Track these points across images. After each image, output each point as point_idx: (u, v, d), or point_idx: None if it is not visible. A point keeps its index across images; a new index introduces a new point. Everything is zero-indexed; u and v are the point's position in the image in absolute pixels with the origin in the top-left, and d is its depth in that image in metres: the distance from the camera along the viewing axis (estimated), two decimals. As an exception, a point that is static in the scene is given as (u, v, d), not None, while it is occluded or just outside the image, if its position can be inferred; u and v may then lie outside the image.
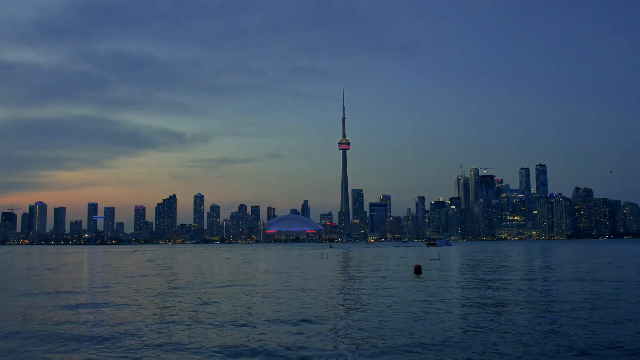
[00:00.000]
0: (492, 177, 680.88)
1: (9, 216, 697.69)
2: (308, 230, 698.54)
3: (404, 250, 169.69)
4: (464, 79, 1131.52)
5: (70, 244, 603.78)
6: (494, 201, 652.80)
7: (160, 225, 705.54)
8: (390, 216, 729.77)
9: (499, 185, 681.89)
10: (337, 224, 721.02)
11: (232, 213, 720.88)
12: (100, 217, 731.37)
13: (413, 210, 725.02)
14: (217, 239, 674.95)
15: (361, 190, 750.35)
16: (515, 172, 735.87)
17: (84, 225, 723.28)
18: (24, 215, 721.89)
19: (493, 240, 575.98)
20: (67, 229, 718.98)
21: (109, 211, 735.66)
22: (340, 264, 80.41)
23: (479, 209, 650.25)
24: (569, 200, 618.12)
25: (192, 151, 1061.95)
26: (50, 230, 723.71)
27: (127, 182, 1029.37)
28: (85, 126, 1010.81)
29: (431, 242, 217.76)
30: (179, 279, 50.32)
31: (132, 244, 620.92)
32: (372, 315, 25.12)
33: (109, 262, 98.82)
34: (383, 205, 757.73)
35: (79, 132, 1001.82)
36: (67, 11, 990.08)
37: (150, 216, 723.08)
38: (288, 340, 19.51)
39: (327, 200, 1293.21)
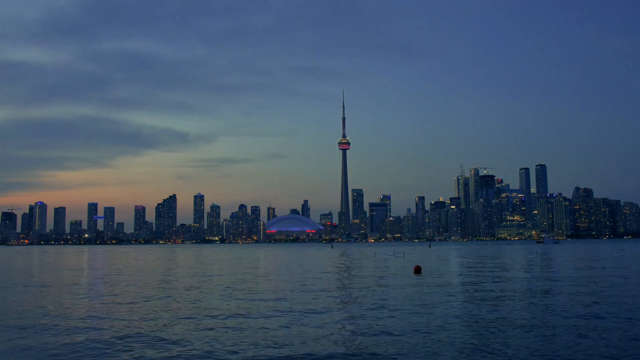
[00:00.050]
0: (492, 177, 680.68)
1: (9, 216, 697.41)
2: (308, 230, 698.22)
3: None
4: (464, 79, 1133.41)
5: (70, 244, 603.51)
6: (494, 201, 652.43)
7: (160, 225, 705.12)
8: (390, 216, 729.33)
9: (499, 185, 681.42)
10: (337, 224, 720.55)
11: (232, 213, 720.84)
12: (100, 217, 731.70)
13: (413, 210, 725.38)
14: (217, 239, 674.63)
15: (361, 190, 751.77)
16: (515, 172, 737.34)
17: (84, 225, 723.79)
18: (24, 215, 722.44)
19: (493, 240, 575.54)
20: (67, 229, 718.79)
21: (109, 211, 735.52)
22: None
23: (479, 209, 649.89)
24: (569, 200, 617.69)
25: (194, 151, 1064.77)
26: (50, 230, 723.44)
27: (127, 182, 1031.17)
28: (88, 126, 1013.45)
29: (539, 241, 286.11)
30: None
31: (132, 244, 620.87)
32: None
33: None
34: (383, 205, 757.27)
35: (80, 131, 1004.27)
36: (73, 10, 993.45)
37: (150, 216, 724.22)
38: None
39: (327, 200, 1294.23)
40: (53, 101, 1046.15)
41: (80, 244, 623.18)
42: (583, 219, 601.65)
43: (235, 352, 17.76)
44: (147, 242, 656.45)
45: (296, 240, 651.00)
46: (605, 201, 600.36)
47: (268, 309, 27.69)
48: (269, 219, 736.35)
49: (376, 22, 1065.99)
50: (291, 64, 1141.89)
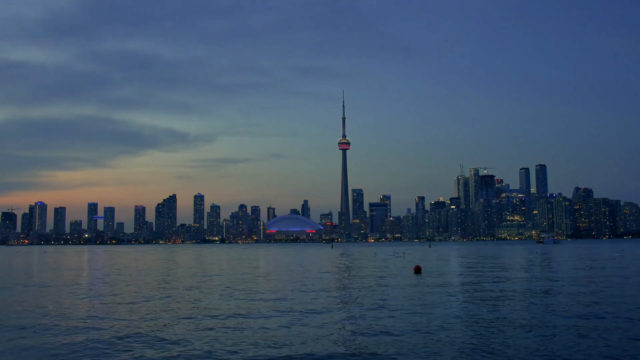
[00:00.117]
0: (492, 177, 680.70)
1: (9, 216, 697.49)
2: (308, 230, 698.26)
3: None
4: (464, 79, 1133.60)
5: (70, 244, 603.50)
6: (494, 201, 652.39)
7: (160, 225, 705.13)
8: (390, 216, 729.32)
9: (499, 185, 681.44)
10: (337, 224, 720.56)
11: (232, 213, 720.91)
12: (100, 217, 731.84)
13: (413, 210, 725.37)
14: (217, 239, 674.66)
15: (361, 190, 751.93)
16: (515, 172, 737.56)
17: (84, 225, 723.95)
18: (24, 215, 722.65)
19: (493, 240, 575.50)
20: (67, 229, 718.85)
21: (109, 211, 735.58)
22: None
23: (479, 209, 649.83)
24: (569, 200, 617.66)
25: (194, 151, 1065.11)
26: (50, 230, 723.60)
27: (127, 182, 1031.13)
28: (88, 126, 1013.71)
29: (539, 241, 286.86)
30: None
31: (132, 244, 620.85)
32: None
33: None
34: (383, 205, 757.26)
35: (80, 131, 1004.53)
36: (73, 10, 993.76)
37: (150, 216, 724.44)
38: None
39: (327, 200, 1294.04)
40: (53, 101, 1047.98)
41: (80, 244, 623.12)
42: (583, 219, 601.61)
43: (235, 352, 17.76)
44: (147, 242, 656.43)
45: (296, 240, 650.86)
46: (605, 201, 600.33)
47: (268, 309, 27.70)
48: (269, 219, 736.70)
49: (376, 22, 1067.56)
50: (291, 64, 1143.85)
